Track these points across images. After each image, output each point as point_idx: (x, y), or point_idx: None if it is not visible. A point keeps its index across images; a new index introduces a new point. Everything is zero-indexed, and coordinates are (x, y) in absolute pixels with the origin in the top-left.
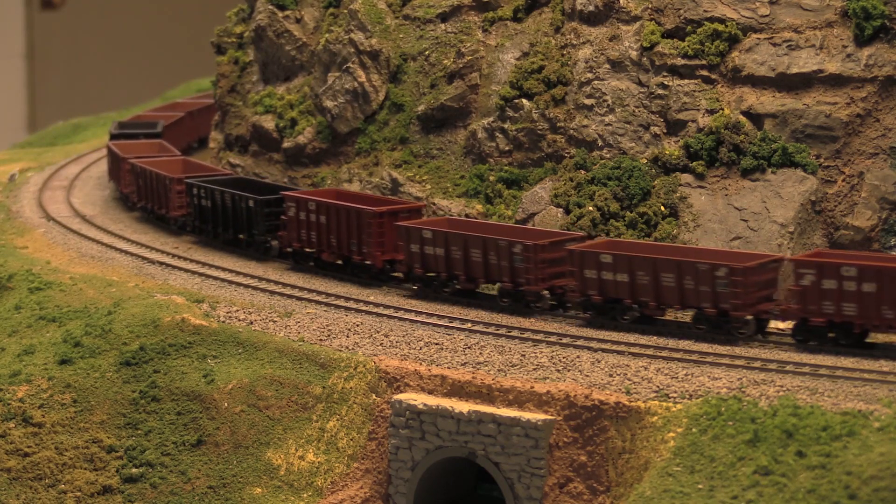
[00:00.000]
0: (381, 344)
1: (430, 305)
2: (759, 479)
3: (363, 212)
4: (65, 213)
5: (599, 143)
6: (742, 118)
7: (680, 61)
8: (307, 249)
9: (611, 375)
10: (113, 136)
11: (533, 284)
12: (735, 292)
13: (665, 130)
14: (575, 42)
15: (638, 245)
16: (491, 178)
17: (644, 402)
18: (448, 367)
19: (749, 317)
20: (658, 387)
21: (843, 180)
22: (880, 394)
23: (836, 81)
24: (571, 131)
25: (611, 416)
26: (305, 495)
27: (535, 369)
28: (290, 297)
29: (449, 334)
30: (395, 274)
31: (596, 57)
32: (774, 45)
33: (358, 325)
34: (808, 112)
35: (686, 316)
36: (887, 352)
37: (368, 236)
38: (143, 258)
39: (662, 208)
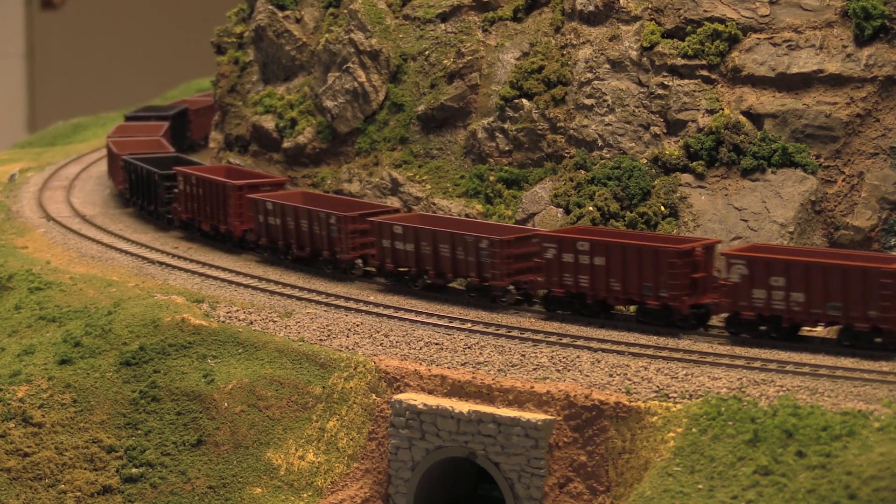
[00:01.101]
0: (381, 344)
1: (430, 305)
2: (759, 479)
3: (227, 185)
4: (65, 213)
5: (599, 143)
6: (742, 118)
7: (680, 61)
8: (192, 219)
9: (611, 375)
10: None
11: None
12: (493, 263)
13: (665, 130)
14: (575, 42)
15: (430, 217)
16: (491, 178)
17: (644, 402)
18: (448, 367)
19: (510, 287)
20: (658, 387)
21: (843, 180)
22: (880, 394)
23: (836, 81)
24: (571, 131)
25: (611, 416)
26: (305, 495)
27: (535, 369)
28: (290, 297)
29: (449, 334)
30: (252, 241)
31: (596, 57)
32: (774, 45)
33: (358, 325)
34: (808, 112)
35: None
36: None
37: (229, 207)
38: (143, 258)
39: (662, 208)
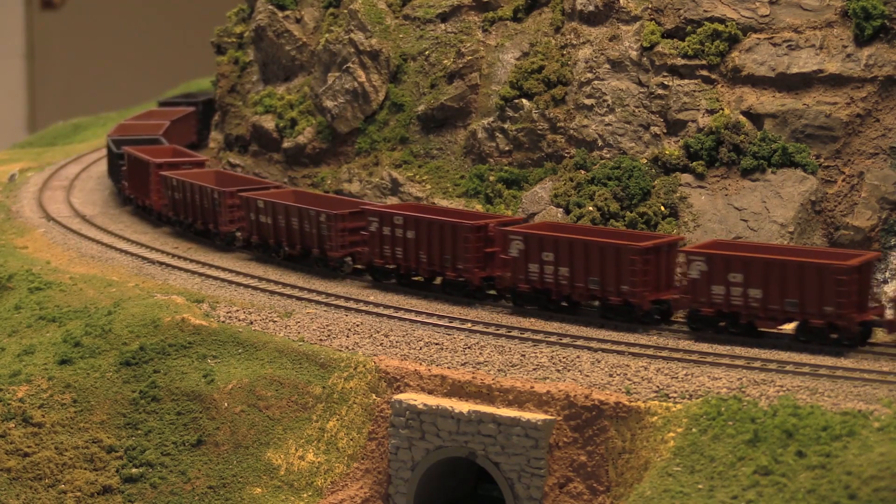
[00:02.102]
0: (381, 344)
1: (430, 305)
2: (759, 479)
3: (150, 163)
4: (65, 213)
5: (599, 143)
6: (742, 118)
7: (680, 61)
8: (134, 196)
9: (611, 375)
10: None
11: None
12: (330, 235)
13: (665, 130)
14: (575, 42)
15: (301, 193)
16: (491, 178)
17: (644, 402)
18: (448, 367)
19: (347, 258)
20: (658, 387)
21: (843, 180)
22: (880, 394)
23: (836, 81)
24: (571, 131)
25: (611, 416)
26: (305, 495)
27: (535, 369)
28: (290, 297)
29: (449, 334)
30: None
31: (596, 57)
32: (774, 45)
33: (358, 325)
34: (808, 112)
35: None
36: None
37: (151, 184)
38: (143, 258)
39: (662, 208)
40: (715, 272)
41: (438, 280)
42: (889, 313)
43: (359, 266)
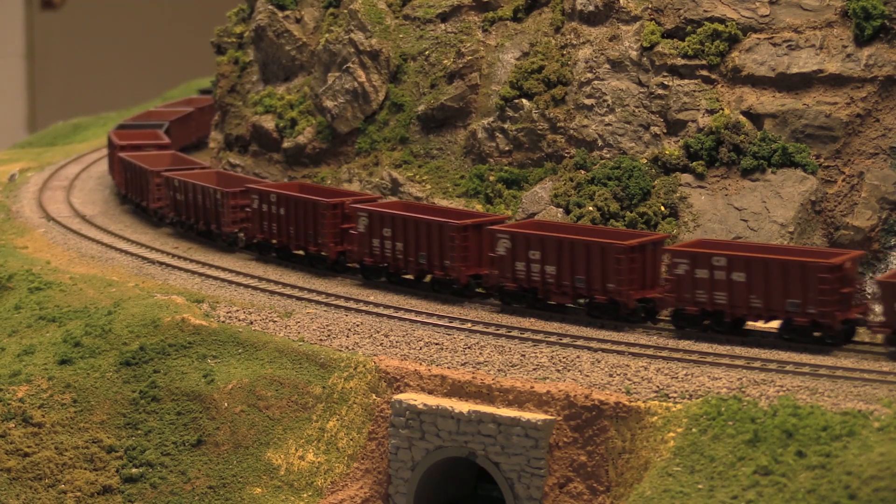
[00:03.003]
0: (381, 344)
1: (430, 305)
2: (759, 479)
3: (115, 146)
4: (65, 213)
5: (599, 143)
6: (742, 118)
7: (680, 61)
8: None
9: (611, 375)
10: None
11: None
12: (223, 212)
13: (665, 130)
14: (575, 42)
15: (224, 174)
16: (491, 178)
17: (644, 402)
18: (448, 367)
19: (240, 234)
20: (658, 387)
21: (843, 180)
22: (880, 394)
23: (836, 81)
24: (571, 131)
25: (611, 416)
26: (305, 495)
27: (535, 369)
28: (290, 297)
29: (449, 334)
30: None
31: (596, 57)
32: (774, 45)
33: (358, 325)
34: (808, 112)
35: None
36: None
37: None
38: (143, 258)
39: (662, 208)
40: (518, 250)
41: (302, 252)
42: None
43: (254, 241)
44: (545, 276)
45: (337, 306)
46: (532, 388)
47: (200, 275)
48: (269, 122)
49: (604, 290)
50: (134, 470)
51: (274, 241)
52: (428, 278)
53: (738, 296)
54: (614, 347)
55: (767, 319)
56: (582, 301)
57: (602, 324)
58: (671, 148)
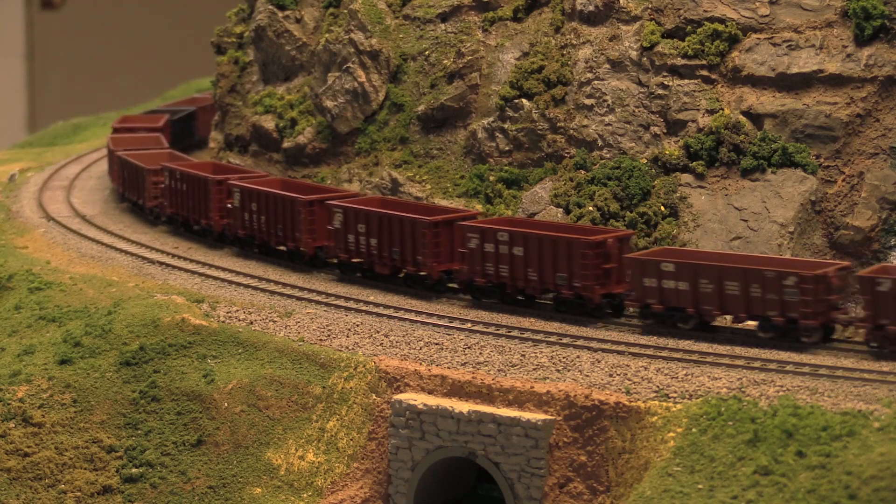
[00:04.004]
0: (381, 344)
1: (430, 305)
2: (759, 479)
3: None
4: (65, 213)
5: (599, 143)
6: (742, 118)
7: (680, 61)
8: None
9: (611, 375)
10: None
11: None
12: (147, 187)
13: (665, 130)
14: (575, 42)
15: (177, 157)
16: (491, 178)
17: (644, 402)
18: (448, 367)
19: (155, 207)
20: (658, 387)
21: (843, 180)
22: (880, 394)
23: (836, 81)
24: (571, 131)
25: (611, 416)
26: (305, 495)
27: (535, 369)
28: (290, 297)
29: (449, 334)
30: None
31: (596, 57)
32: (774, 45)
33: (358, 325)
34: (808, 112)
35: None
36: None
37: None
38: (143, 258)
39: (662, 208)
40: (349, 223)
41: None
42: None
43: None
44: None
45: (337, 306)
46: (532, 388)
47: (200, 275)
48: (269, 122)
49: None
50: (134, 470)
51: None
52: (402, 274)
53: (518, 269)
54: (614, 347)
55: (542, 292)
56: (401, 275)
57: (602, 324)
58: (671, 148)
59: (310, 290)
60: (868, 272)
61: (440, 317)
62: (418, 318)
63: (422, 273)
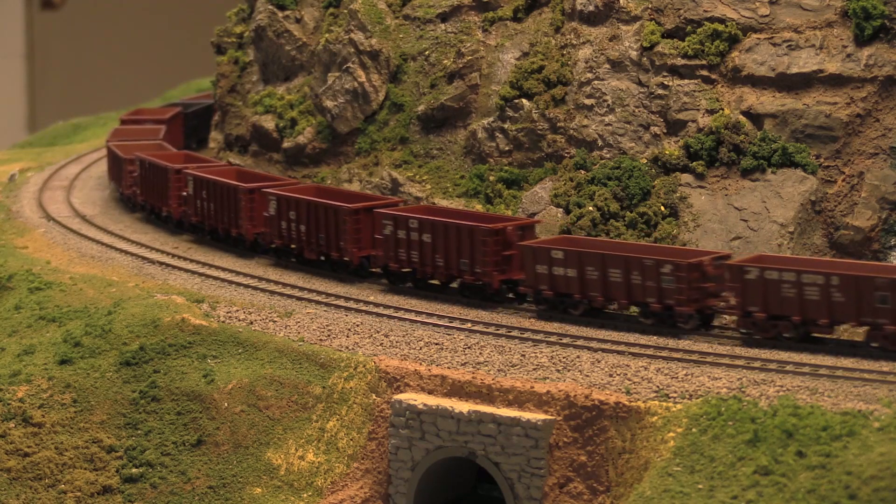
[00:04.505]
0: (381, 344)
1: (430, 305)
2: (759, 479)
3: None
4: (65, 213)
5: (599, 143)
6: (742, 118)
7: (680, 61)
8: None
9: (611, 375)
10: None
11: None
12: (127, 177)
13: (665, 130)
14: (575, 42)
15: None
16: (491, 178)
17: (644, 402)
18: (448, 367)
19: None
20: (658, 387)
21: (843, 180)
22: (880, 394)
23: (836, 81)
24: (571, 131)
25: (611, 416)
26: (305, 495)
27: (535, 369)
28: (290, 297)
29: (449, 334)
30: None
31: (596, 57)
32: (774, 45)
33: (358, 325)
34: (808, 112)
35: None
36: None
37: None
38: (143, 258)
39: (662, 208)
40: (281, 212)
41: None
42: None
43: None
44: (423, 257)
45: (337, 306)
46: (532, 388)
47: (200, 275)
48: (269, 122)
49: (472, 272)
50: (134, 470)
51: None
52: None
53: (427, 255)
54: (614, 347)
55: (447, 278)
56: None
57: (602, 324)
58: (671, 148)
59: (310, 290)
60: (737, 261)
61: (440, 317)
62: (418, 318)
63: (345, 258)
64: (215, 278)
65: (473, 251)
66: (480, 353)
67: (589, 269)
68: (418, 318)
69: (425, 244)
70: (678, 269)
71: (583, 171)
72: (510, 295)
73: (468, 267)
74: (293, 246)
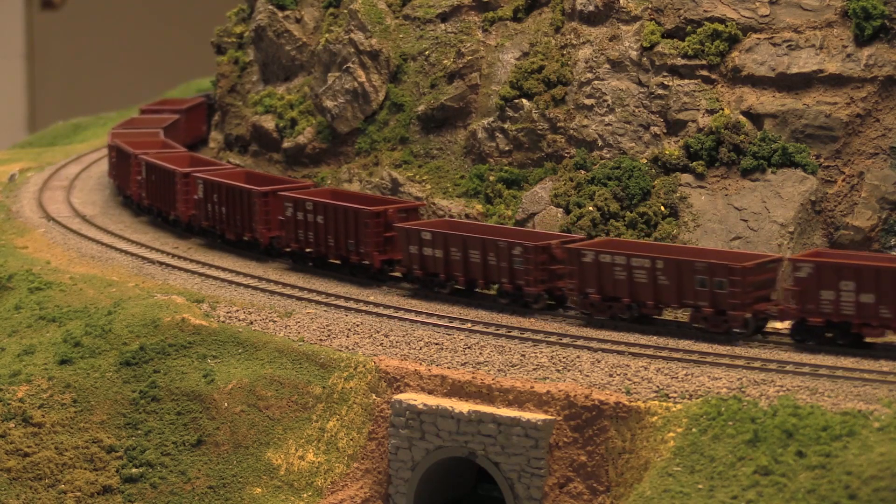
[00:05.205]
0: (381, 344)
1: (430, 305)
2: (759, 479)
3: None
4: (65, 213)
5: (599, 143)
6: (742, 118)
7: (680, 61)
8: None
9: (611, 375)
10: None
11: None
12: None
13: (665, 130)
14: (575, 42)
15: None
16: (491, 178)
17: (644, 402)
18: (448, 367)
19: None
20: (658, 387)
21: (843, 180)
22: (880, 394)
23: (836, 81)
24: (571, 131)
25: (611, 416)
26: (305, 495)
27: (535, 369)
28: (290, 297)
29: (449, 334)
30: None
31: (596, 57)
32: (774, 45)
33: (358, 325)
34: (808, 112)
35: None
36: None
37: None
38: (143, 258)
39: (662, 208)
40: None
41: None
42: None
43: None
44: (318, 238)
45: (337, 306)
46: (532, 388)
47: (200, 275)
48: (269, 122)
49: (357, 252)
50: (134, 470)
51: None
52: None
53: (321, 236)
54: (614, 347)
55: (337, 258)
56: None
57: (602, 323)
58: (671, 148)
59: (310, 290)
60: (575, 245)
61: (440, 317)
62: (418, 318)
63: (255, 240)
64: (215, 278)
65: (358, 232)
66: (480, 353)
67: (453, 250)
68: (418, 318)
69: (319, 226)
70: (527, 251)
71: (583, 171)
72: (398, 274)
73: (354, 247)
74: (309, 250)
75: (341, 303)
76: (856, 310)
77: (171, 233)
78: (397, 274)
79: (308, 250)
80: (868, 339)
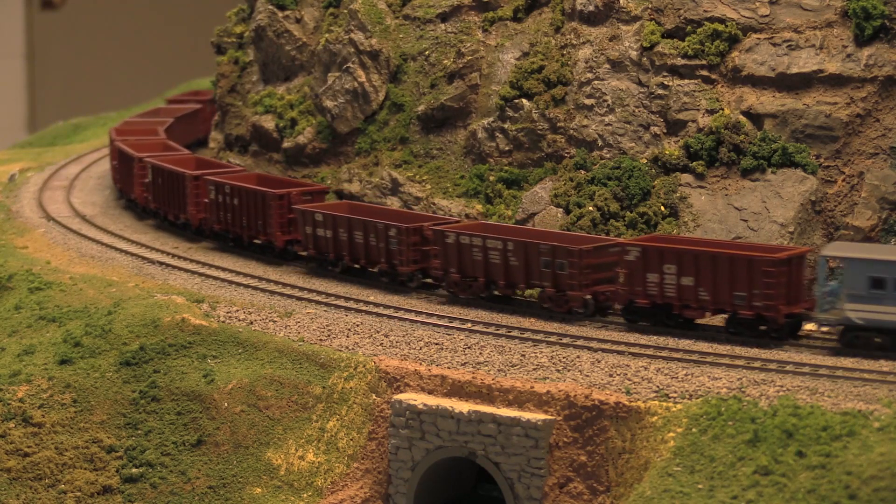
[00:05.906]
0: (381, 344)
1: (430, 305)
2: (759, 479)
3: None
4: (65, 213)
5: (599, 143)
6: (742, 118)
7: (680, 61)
8: None
9: (611, 375)
10: None
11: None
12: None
13: (665, 130)
14: (575, 42)
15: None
16: (491, 178)
17: (644, 402)
18: (448, 367)
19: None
20: (658, 387)
21: (843, 180)
22: (880, 394)
23: (836, 81)
24: (571, 131)
25: (611, 416)
26: (305, 495)
27: (535, 369)
28: (290, 297)
29: (449, 334)
30: None
31: (596, 57)
32: (774, 45)
33: (358, 325)
34: (808, 112)
35: None
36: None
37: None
38: (143, 258)
39: (662, 208)
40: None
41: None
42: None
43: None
44: (235, 220)
45: (337, 306)
46: (532, 388)
47: (200, 275)
48: (269, 122)
49: (265, 232)
50: (134, 470)
51: (230, 232)
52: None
53: (236, 218)
54: (614, 347)
55: (248, 239)
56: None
57: (602, 324)
58: (671, 148)
59: (310, 290)
60: (440, 227)
61: (440, 317)
62: (418, 318)
63: (187, 220)
64: (215, 278)
65: (265, 214)
66: (480, 353)
67: (340, 230)
68: (418, 318)
69: (235, 208)
70: (400, 233)
71: (583, 171)
72: (302, 254)
73: (262, 229)
74: (158, 209)
75: (341, 303)
76: (677, 292)
77: (172, 233)
78: (304, 253)
79: (222, 230)
80: (697, 321)
